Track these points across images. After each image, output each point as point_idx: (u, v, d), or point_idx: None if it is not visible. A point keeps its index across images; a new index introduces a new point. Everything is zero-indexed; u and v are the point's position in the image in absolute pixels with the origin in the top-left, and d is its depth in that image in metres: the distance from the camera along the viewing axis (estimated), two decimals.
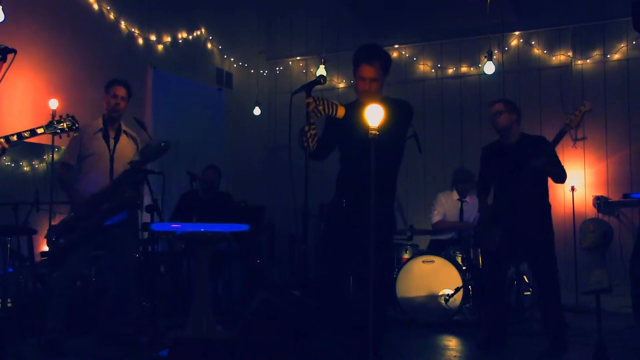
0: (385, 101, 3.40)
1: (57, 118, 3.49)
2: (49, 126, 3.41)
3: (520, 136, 4.38)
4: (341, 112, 3.24)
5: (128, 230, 4.39)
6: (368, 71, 3.34)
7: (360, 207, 3.18)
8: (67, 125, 3.45)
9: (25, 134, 3.27)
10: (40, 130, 3.33)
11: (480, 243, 4.58)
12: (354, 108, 3.28)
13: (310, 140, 3.19)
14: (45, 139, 5.24)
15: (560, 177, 4.21)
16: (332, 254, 3.41)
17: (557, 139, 4.12)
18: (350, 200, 3.35)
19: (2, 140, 3.18)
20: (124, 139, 4.41)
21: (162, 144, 4.17)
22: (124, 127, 4.44)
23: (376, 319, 2.64)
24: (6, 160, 5.37)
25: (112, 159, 4.29)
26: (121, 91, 4.34)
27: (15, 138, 3.25)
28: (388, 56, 3.47)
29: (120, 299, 4.30)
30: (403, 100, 3.49)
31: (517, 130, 4.39)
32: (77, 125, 3.48)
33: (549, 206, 4.31)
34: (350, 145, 3.39)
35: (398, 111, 3.29)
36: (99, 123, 4.37)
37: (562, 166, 4.24)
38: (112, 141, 4.34)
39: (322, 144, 3.41)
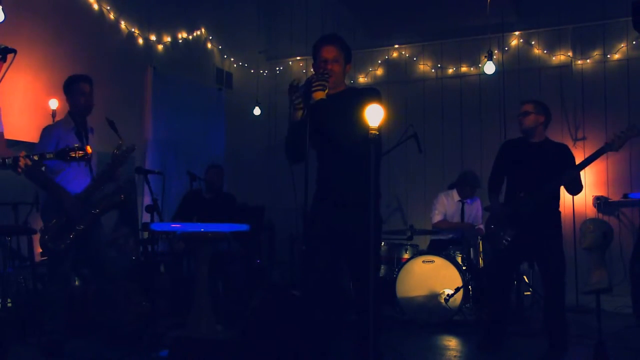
0: (353, 91, 3.35)
1: (71, 147, 3.21)
2: (60, 154, 3.18)
3: (544, 139, 4.34)
4: (321, 94, 3.10)
5: (99, 229, 4.34)
6: (329, 51, 3.25)
7: (349, 207, 3.15)
8: (79, 155, 3.19)
9: (35, 157, 3.18)
10: (49, 156, 3.21)
11: (492, 240, 4.53)
12: (320, 105, 3.12)
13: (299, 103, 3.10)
14: None
15: (578, 190, 4.23)
16: (324, 258, 3.23)
17: (595, 157, 4.08)
18: (336, 202, 3.22)
19: (27, 159, 3.10)
20: (91, 136, 4.35)
21: (130, 146, 4.17)
22: (89, 125, 4.37)
23: (374, 319, 2.63)
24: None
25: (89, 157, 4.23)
26: (87, 87, 4.24)
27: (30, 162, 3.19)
28: (347, 43, 3.36)
29: (105, 298, 4.27)
30: (369, 88, 3.39)
31: (543, 133, 4.34)
32: (88, 156, 3.24)
33: (559, 211, 4.31)
34: (323, 142, 3.23)
35: (368, 99, 3.02)
36: (69, 121, 4.25)
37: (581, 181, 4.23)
38: (84, 139, 4.24)
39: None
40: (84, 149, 3.24)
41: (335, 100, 3.16)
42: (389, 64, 8.42)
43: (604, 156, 6.96)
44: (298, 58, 8.84)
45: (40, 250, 5.23)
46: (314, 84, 3.08)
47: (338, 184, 3.22)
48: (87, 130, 4.33)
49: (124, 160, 4.21)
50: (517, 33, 7.67)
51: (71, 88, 4.26)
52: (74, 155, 3.22)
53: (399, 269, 5.51)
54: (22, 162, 3.04)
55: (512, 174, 4.37)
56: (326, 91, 3.11)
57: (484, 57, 7.33)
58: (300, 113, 3.12)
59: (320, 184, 3.31)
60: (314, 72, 3.23)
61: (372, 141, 2.56)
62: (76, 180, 4.18)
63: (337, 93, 3.25)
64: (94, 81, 4.37)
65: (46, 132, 4.20)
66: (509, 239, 4.19)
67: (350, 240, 3.15)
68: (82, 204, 4.10)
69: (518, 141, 4.44)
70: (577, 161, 4.30)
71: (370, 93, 3.20)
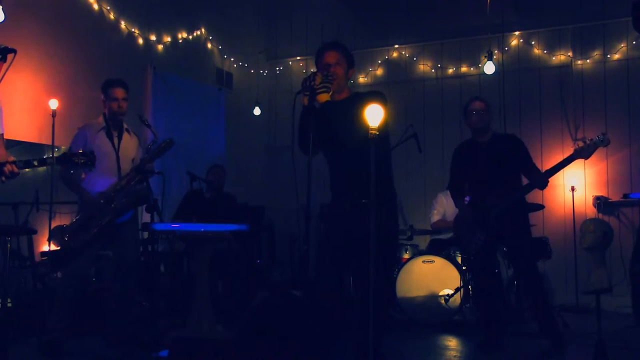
0: (357, 95, 3.37)
1: (74, 153, 3.25)
2: (62, 159, 3.19)
3: (492, 135, 4.45)
4: (325, 97, 3.13)
5: (133, 228, 4.40)
6: (331, 55, 3.30)
7: (365, 211, 3.17)
8: (82, 161, 3.18)
9: (35, 163, 3.15)
10: (50, 161, 3.15)
11: (462, 244, 4.58)
12: (327, 109, 3.16)
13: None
14: (45, 139, 5.25)
15: (544, 187, 4.30)
16: (335, 260, 3.32)
17: (564, 164, 4.16)
18: (355, 202, 3.22)
19: (14, 165, 3.09)
20: (126, 137, 4.43)
21: (167, 140, 4.28)
22: (125, 125, 4.46)
23: (377, 319, 2.64)
24: None
25: (118, 158, 4.31)
26: (121, 93, 4.35)
27: (22, 166, 3.13)
28: (348, 49, 3.41)
29: (124, 298, 4.32)
30: (373, 91, 3.44)
31: (490, 130, 4.48)
32: (92, 162, 3.22)
33: (526, 203, 4.43)
34: (333, 148, 3.31)
35: (373, 100, 2.97)
36: (101, 121, 4.38)
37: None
38: (116, 139, 4.36)
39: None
40: (88, 156, 3.18)
41: (341, 105, 3.19)
42: (389, 64, 8.42)
43: (603, 156, 7.07)
44: (298, 58, 8.83)
45: (41, 250, 5.25)
46: (317, 87, 3.09)
47: (354, 185, 3.23)
48: (121, 130, 4.39)
49: (159, 155, 4.31)
50: (517, 33, 7.67)
51: (106, 92, 4.37)
52: (76, 161, 3.19)
53: (399, 269, 5.51)
54: (7, 169, 3.03)
55: (471, 176, 4.43)
56: (330, 93, 3.13)
57: (484, 57, 7.32)
58: (306, 99, 3.14)
59: (335, 187, 3.37)
60: (315, 72, 3.24)
61: (373, 141, 2.57)
62: (102, 179, 4.24)
63: (342, 100, 3.28)
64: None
65: (77, 133, 4.33)
66: (480, 243, 4.24)
67: (366, 239, 3.16)
68: (103, 202, 4.14)
69: (470, 143, 4.53)
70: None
71: (375, 95, 3.21)
